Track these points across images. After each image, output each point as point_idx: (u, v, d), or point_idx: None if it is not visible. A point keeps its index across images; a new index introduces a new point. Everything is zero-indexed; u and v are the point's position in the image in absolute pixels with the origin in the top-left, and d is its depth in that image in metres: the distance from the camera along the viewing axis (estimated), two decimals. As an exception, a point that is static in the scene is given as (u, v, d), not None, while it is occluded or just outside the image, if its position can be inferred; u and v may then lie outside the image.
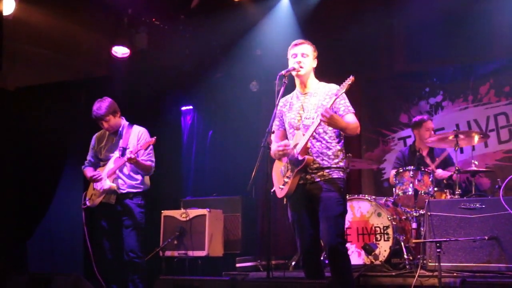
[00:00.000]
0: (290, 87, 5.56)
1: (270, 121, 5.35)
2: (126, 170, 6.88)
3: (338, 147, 5.36)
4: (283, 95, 5.52)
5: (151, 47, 9.62)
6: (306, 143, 5.19)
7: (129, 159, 6.64)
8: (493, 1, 8.48)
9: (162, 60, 9.77)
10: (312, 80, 5.51)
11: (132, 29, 9.28)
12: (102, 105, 6.86)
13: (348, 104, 5.35)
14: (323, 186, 5.24)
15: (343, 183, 5.33)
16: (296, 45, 5.48)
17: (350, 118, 5.28)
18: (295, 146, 5.28)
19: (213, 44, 9.81)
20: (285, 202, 5.49)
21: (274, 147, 5.37)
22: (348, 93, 5.31)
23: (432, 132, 8.04)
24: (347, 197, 7.35)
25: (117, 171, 6.83)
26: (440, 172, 7.63)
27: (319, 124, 5.14)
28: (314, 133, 5.22)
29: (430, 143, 7.65)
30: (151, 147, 6.93)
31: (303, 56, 5.41)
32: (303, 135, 5.24)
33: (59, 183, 9.61)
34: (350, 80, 5.07)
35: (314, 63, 5.50)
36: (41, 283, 6.31)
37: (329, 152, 5.30)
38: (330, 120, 5.03)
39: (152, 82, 9.84)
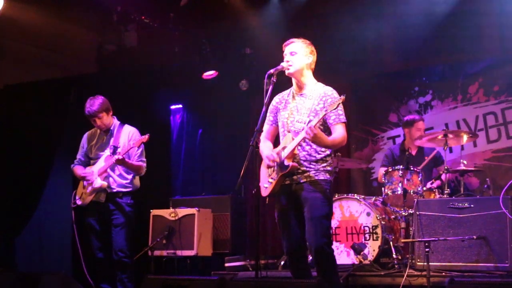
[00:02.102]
0: (286, 84, 5.54)
1: (259, 120, 5.33)
2: (117, 169, 6.88)
3: (328, 152, 5.34)
4: (279, 92, 5.52)
5: (140, 45, 9.59)
6: (294, 149, 5.18)
7: (117, 160, 6.64)
8: (482, 0, 8.49)
9: (151, 58, 9.74)
10: (308, 80, 5.46)
11: (121, 26, 9.24)
12: (95, 102, 6.86)
13: (341, 112, 5.29)
14: (309, 187, 5.23)
15: (329, 185, 5.32)
16: (285, 45, 5.46)
17: (338, 130, 5.25)
18: (283, 148, 5.27)
19: (202, 42, 9.79)
20: (267, 202, 5.49)
21: (264, 147, 5.36)
22: (338, 91, 5.30)
23: (423, 132, 8.02)
24: (336, 196, 7.39)
25: (108, 170, 6.82)
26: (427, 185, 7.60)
27: (303, 139, 5.13)
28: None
29: (419, 142, 7.65)
30: (142, 147, 6.93)
31: (291, 55, 5.38)
32: (293, 139, 5.22)
33: (48, 181, 9.58)
34: (341, 99, 5.04)
35: (307, 59, 5.42)
36: (29, 282, 6.28)
37: (318, 157, 5.29)
38: (313, 138, 5.03)
39: (141, 80, 9.81)
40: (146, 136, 6.72)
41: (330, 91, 5.32)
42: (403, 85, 9.41)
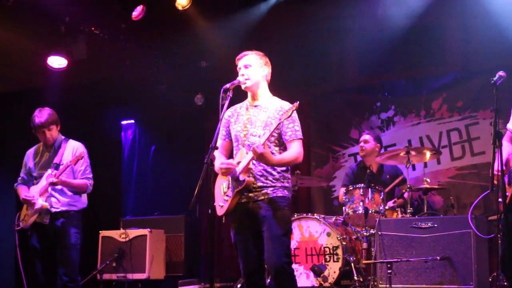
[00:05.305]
0: (241, 97, 5.54)
1: (214, 137, 5.31)
2: (59, 187, 6.75)
3: (284, 168, 5.34)
4: (232, 105, 5.50)
5: (90, 57, 9.52)
6: (248, 163, 5.15)
7: (51, 184, 6.56)
8: (445, 15, 8.61)
9: (101, 71, 9.67)
10: (264, 92, 5.45)
11: (69, 38, 9.16)
12: (43, 112, 6.75)
13: (297, 128, 5.28)
14: (267, 205, 5.20)
15: (288, 202, 5.31)
16: (238, 59, 5.44)
17: (292, 148, 5.24)
18: (238, 163, 5.25)
19: (155, 55, 9.76)
20: (223, 221, 5.46)
21: (218, 163, 5.34)
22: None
23: (362, 144, 8.14)
24: (295, 216, 7.40)
25: (50, 189, 6.69)
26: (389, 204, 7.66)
27: (252, 158, 5.12)
28: None
29: (380, 160, 7.71)
30: (87, 162, 6.83)
31: (246, 68, 5.37)
32: (247, 153, 5.20)
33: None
34: (294, 106, 5.04)
35: (262, 71, 5.41)
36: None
37: (274, 172, 5.26)
38: (258, 158, 5.03)
39: (91, 94, 9.73)
40: (81, 153, 6.62)
41: (287, 106, 5.31)
42: (364, 100, 9.48)
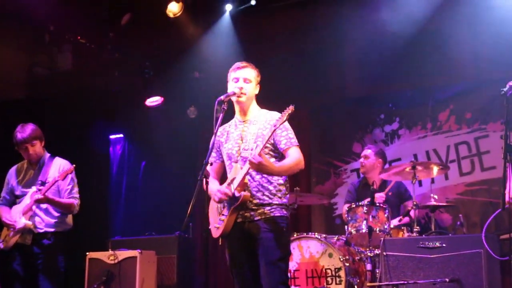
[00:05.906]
0: (229, 114, 5.50)
1: (208, 152, 5.28)
2: (44, 205, 6.70)
3: (281, 181, 5.28)
4: (221, 123, 5.47)
5: (75, 68, 9.51)
6: (243, 178, 5.12)
7: (38, 200, 6.50)
8: (452, 22, 8.59)
9: (88, 83, 9.64)
10: (253, 107, 5.45)
11: (54, 47, 9.15)
12: (26, 128, 6.73)
13: (291, 135, 5.27)
14: (264, 225, 5.15)
15: (286, 222, 5.27)
16: (238, 68, 5.41)
17: (291, 154, 5.21)
18: (232, 180, 5.21)
19: (146, 65, 9.74)
20: (220, 243, 5.41)
21: (213, 186, 5.30)
22: (296, 119, 5.28)
23: (362, 160, 8.13)
24: (295, 235, 7.35)
25: (34, 207, 6.64)
26: (394, 222, 7.62)
27: (249, 169, 5.08)
28: None
29: (385, 175, 7.68)
30: (74, 181, 6.79)
31: (245, 82, 5.34)
32: (241, 168, 5.17)
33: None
34: (289, 109, 4.99)
35: (256, 90, 5.43)
36: None
37: (270, 187, 5.23)
38: (258, 168, 4.98)
39: (77, 107, 9.69)
40: (71, 167, 6.61)
41: (277, 115, 5.28)
42: (367, 112, 9.45)
